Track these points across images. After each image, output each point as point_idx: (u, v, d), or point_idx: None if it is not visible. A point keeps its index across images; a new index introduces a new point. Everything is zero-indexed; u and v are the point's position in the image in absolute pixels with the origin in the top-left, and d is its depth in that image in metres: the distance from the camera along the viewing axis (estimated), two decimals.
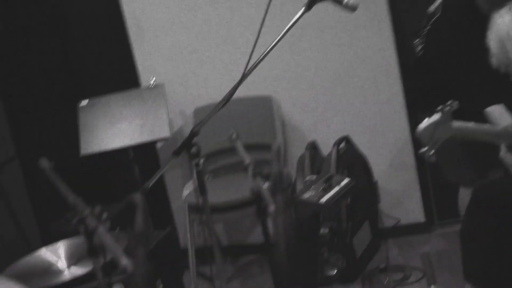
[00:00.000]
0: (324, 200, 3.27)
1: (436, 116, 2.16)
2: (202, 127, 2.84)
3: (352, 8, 2.33)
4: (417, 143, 4.06)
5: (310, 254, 3.32)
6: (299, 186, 3.68)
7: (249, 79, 2.89)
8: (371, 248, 4.01)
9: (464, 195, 3.40)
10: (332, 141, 3.94)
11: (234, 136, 2.46)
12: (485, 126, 2.49)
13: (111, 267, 2.06)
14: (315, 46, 4.14)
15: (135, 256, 1.27)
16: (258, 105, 4.21)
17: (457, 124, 2.29)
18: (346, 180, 3.47)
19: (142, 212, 1.37)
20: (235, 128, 2.60)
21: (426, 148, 2.18)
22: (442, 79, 3.07)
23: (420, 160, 4.15)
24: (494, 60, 2.44)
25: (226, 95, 2.83)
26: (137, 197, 1.43)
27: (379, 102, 4.13)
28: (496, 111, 2.92)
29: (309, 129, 4.24)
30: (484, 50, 2.46)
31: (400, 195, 4.22)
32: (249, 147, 2.31)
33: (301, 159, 3.94)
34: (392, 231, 4.18)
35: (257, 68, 2.83)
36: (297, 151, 4.09)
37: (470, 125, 2.37)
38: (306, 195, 3.32)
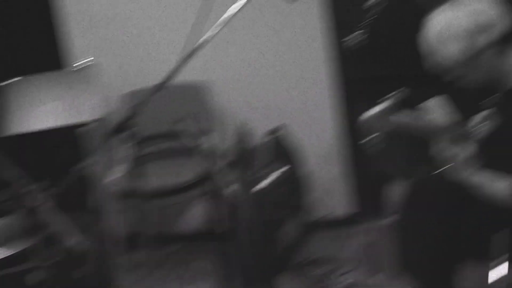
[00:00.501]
0: (259, 189, 3.25)
1: (382, 106, 2.15)
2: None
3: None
4: (349, 135, 4.11)
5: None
6: None
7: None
8: (300, 240, 4.00)
9: (394, 189, 3.43)
10: (265, 131, 3.92)
11: (182, 118, 2.38)
12: (421, 122, 2.51)
13: (46, 247, 1.96)
14: (251, 35, 4.11)
15: (92, 234, 1.19)
16: (192, 92, 4.14)
17: (395, 117, 2.29)
18: (280, 170, 3.46)
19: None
20: (167, 114, 2.53)
21: (369, 138, 2.17)
22: (385, 69, 3.09)
23: (350, 153, 4.18)
24: (428, 60, 2.45)
25: (163, 78, 2.76)
26: (91, 171, 1.35)
27: (311, 93, 4.14)
28: (433, 105, 2.95)
29: (243, 118, 4.20)
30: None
31: (330, 187, 4.24)
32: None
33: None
34: (321, 223, 4.19)
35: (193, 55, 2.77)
36: (230, 139, 4.04)
37: (407, 119, 2.37)
38: None
